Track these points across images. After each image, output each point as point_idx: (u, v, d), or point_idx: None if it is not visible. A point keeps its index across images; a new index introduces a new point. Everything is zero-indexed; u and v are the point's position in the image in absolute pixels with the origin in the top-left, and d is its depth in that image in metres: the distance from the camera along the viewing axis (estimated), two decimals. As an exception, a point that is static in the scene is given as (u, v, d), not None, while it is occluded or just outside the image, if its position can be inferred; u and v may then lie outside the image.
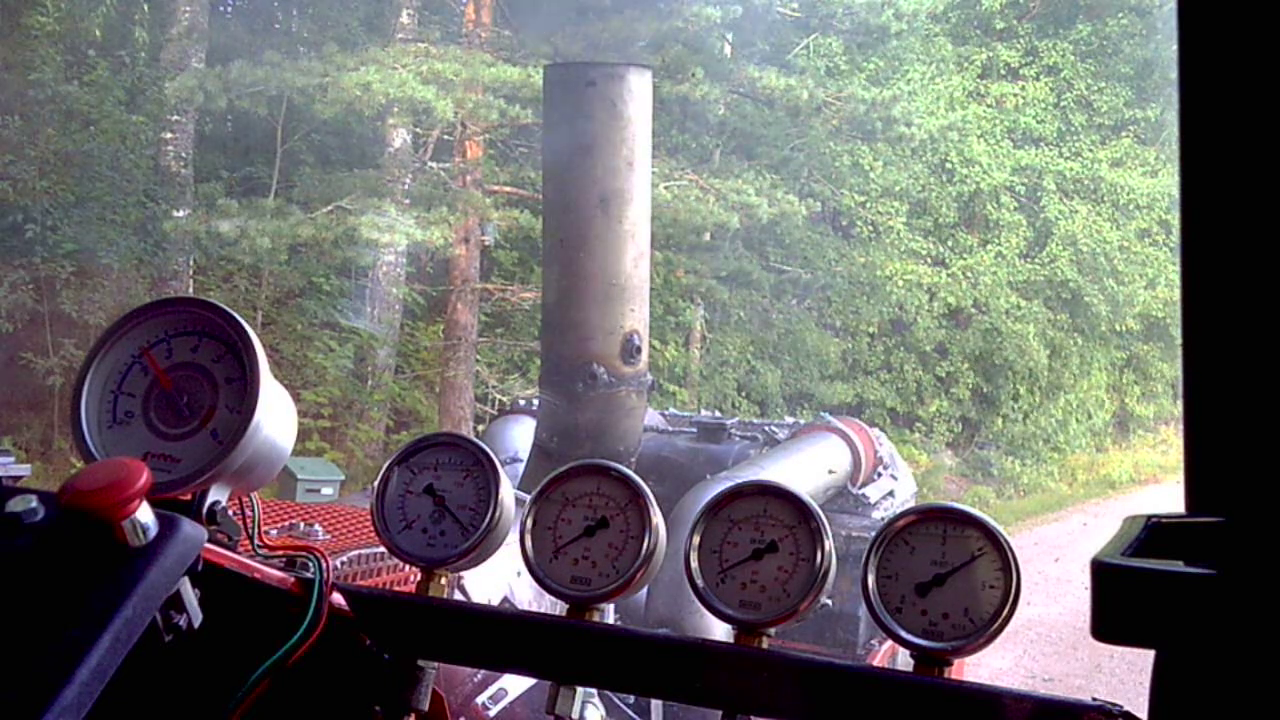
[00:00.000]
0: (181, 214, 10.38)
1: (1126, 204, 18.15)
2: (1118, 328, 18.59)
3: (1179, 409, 0.84)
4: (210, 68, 10.10)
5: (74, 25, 10.22)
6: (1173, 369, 19.11)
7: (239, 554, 1.11)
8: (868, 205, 16.81)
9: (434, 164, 11.82)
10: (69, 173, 9.90)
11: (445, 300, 12.14)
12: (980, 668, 6.20)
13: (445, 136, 11.91)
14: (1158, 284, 17.90)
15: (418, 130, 12.03)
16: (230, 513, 1.12)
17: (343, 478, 9.13)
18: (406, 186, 11.53)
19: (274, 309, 11.33)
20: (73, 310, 9.75)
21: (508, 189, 11.83)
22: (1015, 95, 18.51)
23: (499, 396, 11.83)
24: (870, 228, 17.02)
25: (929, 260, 17.41)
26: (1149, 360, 19.41)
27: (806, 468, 6.02)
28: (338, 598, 1.16)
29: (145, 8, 10.81)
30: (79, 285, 9.85)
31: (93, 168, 9.99)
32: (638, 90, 5.00)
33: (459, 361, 11.72)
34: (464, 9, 12.02)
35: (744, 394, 15.29)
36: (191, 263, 10.73)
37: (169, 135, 10.73)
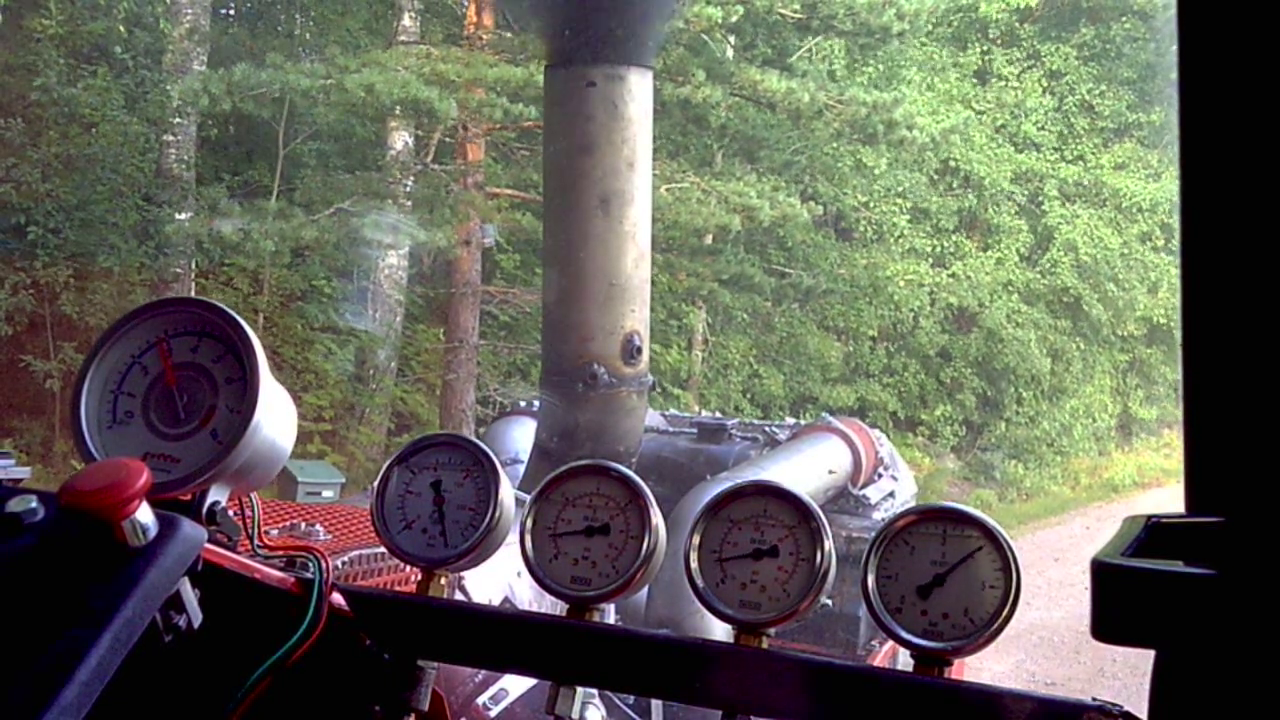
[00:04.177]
0: (183, 217, 10.38)
1: (1129, 208, 18.14)
2: (1120, 332, 18.57)
3: (1181, 412, 0.84)
4: (213, 70, 10.11)
5: (76, 28, 10.23)
6: (1175, 372, 19.01)
7: (239, 554, 1.11)
8: (871, 206, 16.81)
9: (435, 166, 11.83)
10: (71, 176, 9.90)
11: (447, 303, 12.14)
12: (982, 672, 6.19)
13: (446, 139, 11.92)
14: (1160, 288, 17.88)
15: (419, 133, 12.03)
16: (230, 513, 1.12)
17: (343, 480, 9.13)
18: (408, 189, 11.53)
19: (275, 312, 11.34)
20: (73, 313, 9.75)
21: (509, 191, 11.84)
22: (1017, 99, 18.51)
23: (500, 400, 11.82)
24: (874, 228, 17.02)
25: (930, 264, 17.41)
26: (1152, 364, 19.38)
27: (807, 468, 6.03)
28: (338, 598, 1.16)
29: (157, 9, 10.83)
30: (79, 288, 9.86)
31: (95, 171, 10.00)
32: (638, 91, 5.02)
33: (460, 364, 11.72)
34: (465, 11, 12.03)
35: (747, 397, 15.29)
36: (194, 266, 10.74)
37: (171, 138, 10.74)
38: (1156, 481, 17.37)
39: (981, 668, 6.46)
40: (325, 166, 11.78)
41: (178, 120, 10.64)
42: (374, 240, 10.60)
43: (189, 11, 10.84)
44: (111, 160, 10.07)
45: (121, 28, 10.45)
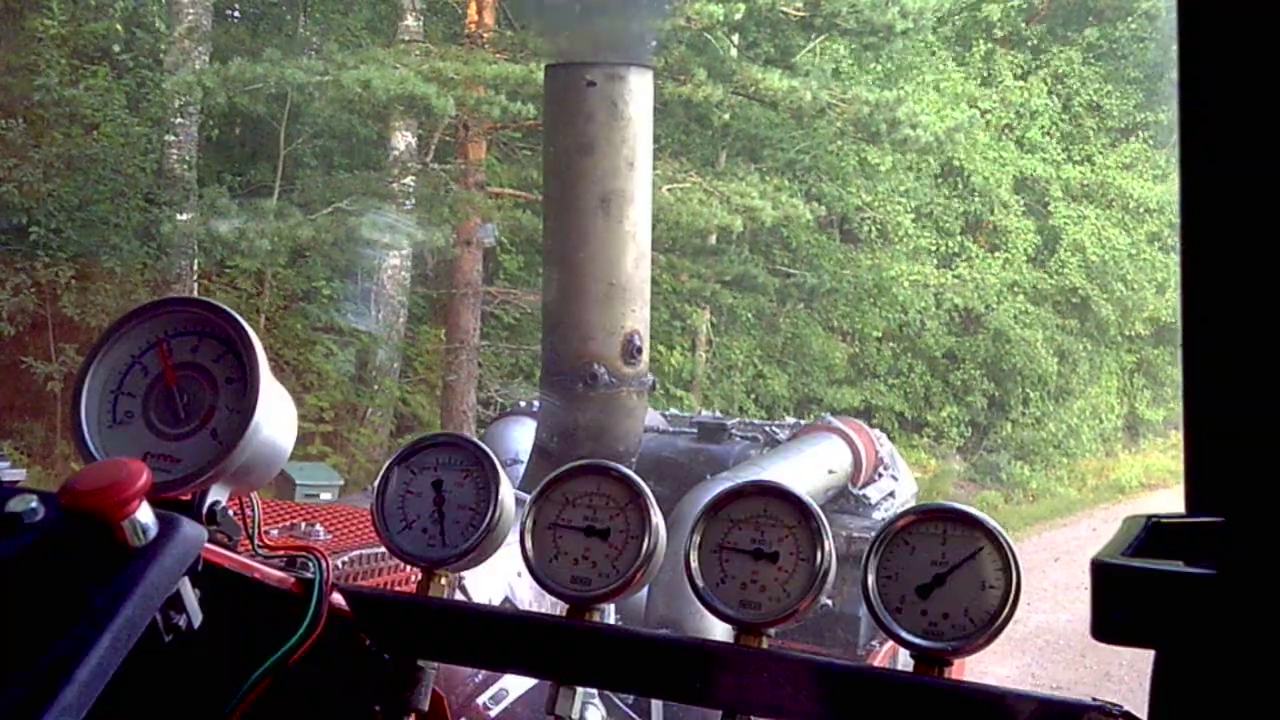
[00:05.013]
0: (184, 217, 10.38)
1: (1136, 208, 18.10)
2: (1127, 332, 18.52)
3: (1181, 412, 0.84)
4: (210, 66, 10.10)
5: (78, 28, 10.23)
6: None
7: (239, 554, 1.12)
8: (875, 205, 16.78)
9: (436, 165, 11.82)
10: (72, 176, 9.91)
11: (448, 303, 12.14)
12: (987, 676, 6.16)
13: (447, 138, 11.91)
14: (1168, 288, 17.81)
15: (421, 132, 12.03)
16: (230, 513, 1.12)
17: (342, 482, 9.11)
18: (410, 188, 11.53)
19: (278, 312, 11.34)
20: (75, 314, 9.75)
21: (511, 191, 11.83)
22: (1023, 99, 18.47)
23: (502, 401, 11.82)
24: (878, 227, 16.99)
25: (936, 265, 17.37)
26: (1159, 365, 19.29)
27: (807, 468, 6.02)
28: (338, 598, 1.17)
29: (152, 8, 10.82)
30: (81, 289, 9.86)
31: (96, 171, 10.00)
32: (638, 90, 5.01)
33: (461, 365, 11.71)
34: (466, 10, 12.03)
35: (752, 398, 15.27)
36: (196, 266, 10.74)
37: (172, 138, 10.74)
38: (1163, 483, 17.28)
39: (987, 671, 6.43)
40: (328, 166, 11.78)
41: (179, 120, 10.63)
42: (372, 239, 10.59)
43: (190, 11, 10.83)
44: (113, 160, 10.07)
45: (120, 27, 10.45)
